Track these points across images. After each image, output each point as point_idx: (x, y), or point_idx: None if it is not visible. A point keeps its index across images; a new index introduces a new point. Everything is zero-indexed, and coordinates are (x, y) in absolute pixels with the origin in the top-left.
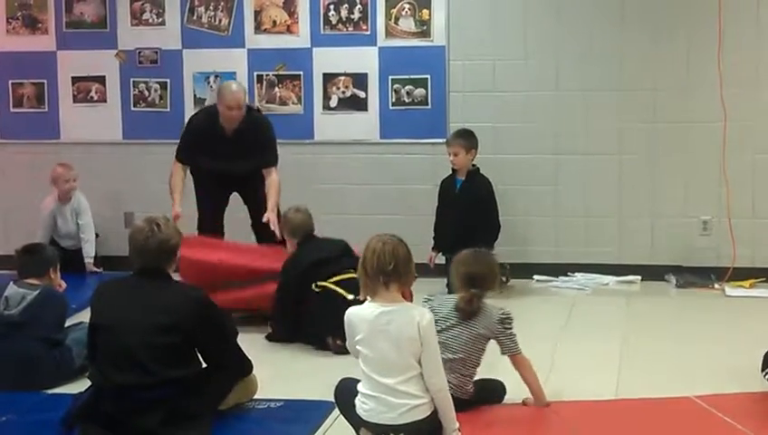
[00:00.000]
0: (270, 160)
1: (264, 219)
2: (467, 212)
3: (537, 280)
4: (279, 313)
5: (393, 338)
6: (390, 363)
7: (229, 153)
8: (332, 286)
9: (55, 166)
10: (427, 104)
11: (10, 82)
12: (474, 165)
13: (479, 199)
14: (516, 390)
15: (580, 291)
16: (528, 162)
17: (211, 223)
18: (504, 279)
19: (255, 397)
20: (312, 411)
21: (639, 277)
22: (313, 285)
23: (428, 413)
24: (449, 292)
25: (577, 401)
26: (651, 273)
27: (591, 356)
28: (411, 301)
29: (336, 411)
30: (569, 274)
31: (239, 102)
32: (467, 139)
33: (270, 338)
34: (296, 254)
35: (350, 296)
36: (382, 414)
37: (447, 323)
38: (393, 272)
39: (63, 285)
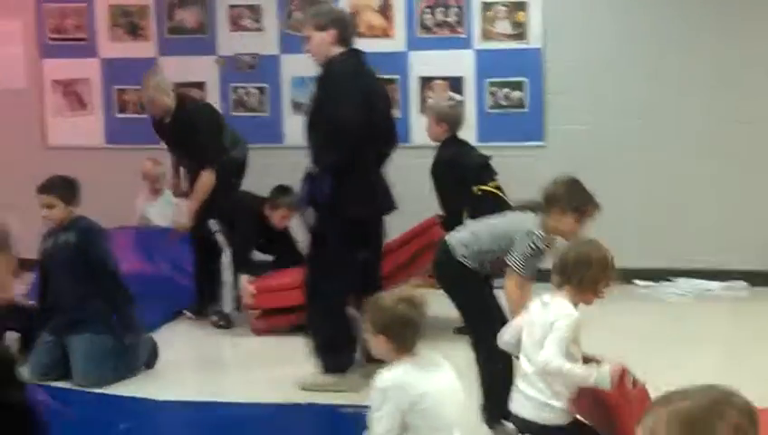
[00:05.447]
0: (197, 155)
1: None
2: None
3: (638, 285)
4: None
5: (536, 327)
6: (528, 350)
7: (171, 146)
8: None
9: (145, 160)
10: (523, 107)
11: (115, 88)
12: None
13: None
14: None
15: (682, 297)
16: (628, 164)
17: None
18: None
19: (344, 402)
20: None
21: (747, 283)
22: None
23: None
24: None
25: None
26: (760, 279)
27: (694, 364)
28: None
29: None
30: (671, 279)
31: (146, 98)
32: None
33: None
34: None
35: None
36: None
37: None
38: (562, 273)
39: None
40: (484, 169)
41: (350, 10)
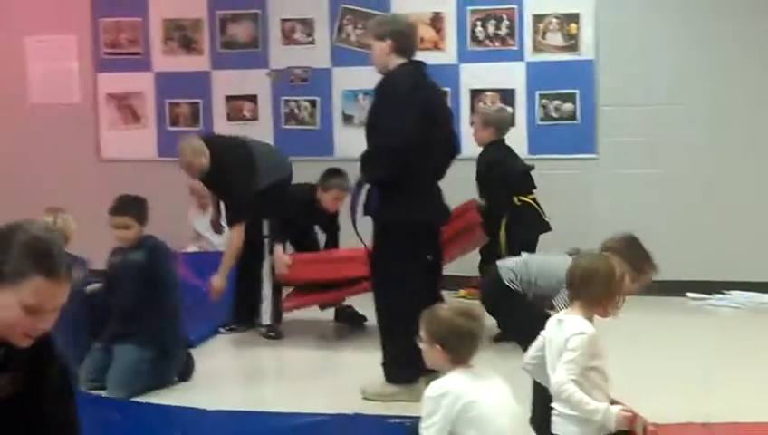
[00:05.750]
0: (229, 213)
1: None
2: None
3: (691, 297)
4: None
5: (553, 343)
6: (552, 367)
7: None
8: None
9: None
10: (575, 119)
11: (167, 101)
12: None
13: None
14: None
15: (736, 310)
16: (682, 176)
17: None
18: None
19: (389, 413)
20: None
21: None
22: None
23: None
24: None
25: (733, 422)
26: None
27: (747, 377)
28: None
29: None
30: (724, 291)
31: (184, 165)
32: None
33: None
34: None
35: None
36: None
37: None
38: (570, 288)
39: None
40: (526, 178)
41: None
